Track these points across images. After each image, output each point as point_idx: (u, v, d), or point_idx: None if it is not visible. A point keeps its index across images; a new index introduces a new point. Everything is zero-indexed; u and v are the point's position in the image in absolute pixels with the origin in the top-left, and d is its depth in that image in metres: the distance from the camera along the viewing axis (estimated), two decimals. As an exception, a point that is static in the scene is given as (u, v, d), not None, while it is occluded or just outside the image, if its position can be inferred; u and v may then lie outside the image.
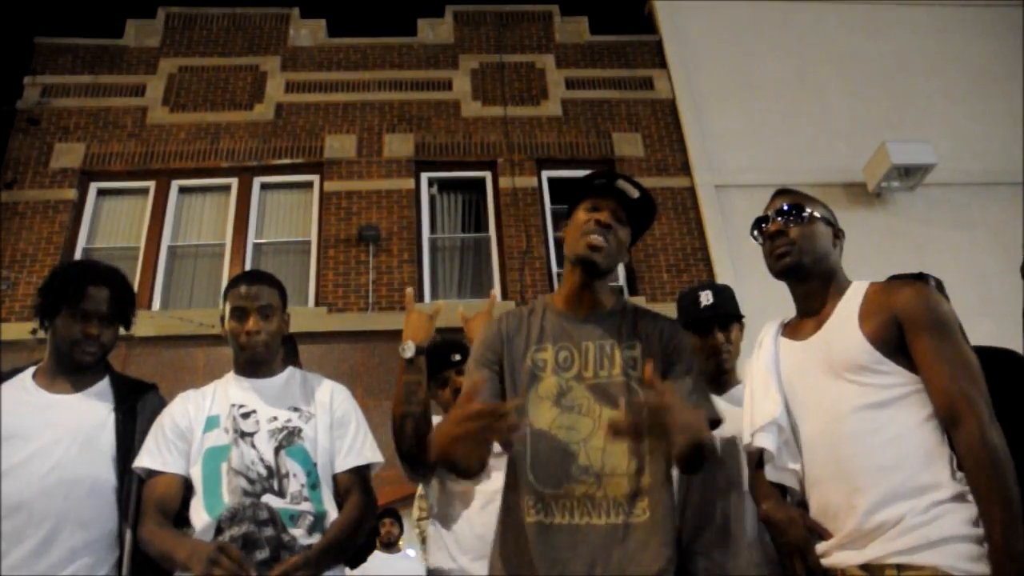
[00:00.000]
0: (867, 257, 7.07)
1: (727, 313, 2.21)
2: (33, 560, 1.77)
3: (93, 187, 7.39)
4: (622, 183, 1.76)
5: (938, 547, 1.39)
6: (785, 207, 1.77)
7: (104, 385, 2.07)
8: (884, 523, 1.44)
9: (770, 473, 1.66)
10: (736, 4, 8.62)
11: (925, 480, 1.45)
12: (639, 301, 6.76)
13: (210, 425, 1.95)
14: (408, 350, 2.20)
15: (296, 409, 2.00)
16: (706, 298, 2.20)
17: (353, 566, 2.20)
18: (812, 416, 1.62)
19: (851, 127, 7.93)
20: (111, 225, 7.34)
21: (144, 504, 1.88)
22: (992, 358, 1.93)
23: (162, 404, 2.15)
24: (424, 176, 7.66)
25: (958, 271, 6.72)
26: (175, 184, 7.46)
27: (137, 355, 6.38)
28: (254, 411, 1.97)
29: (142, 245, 7.13)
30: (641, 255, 7.22)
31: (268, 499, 1.84)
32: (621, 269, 7.12)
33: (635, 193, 1.77)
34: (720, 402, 2.15)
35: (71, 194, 7.17)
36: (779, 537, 1.61)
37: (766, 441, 1.65)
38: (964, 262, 7.08)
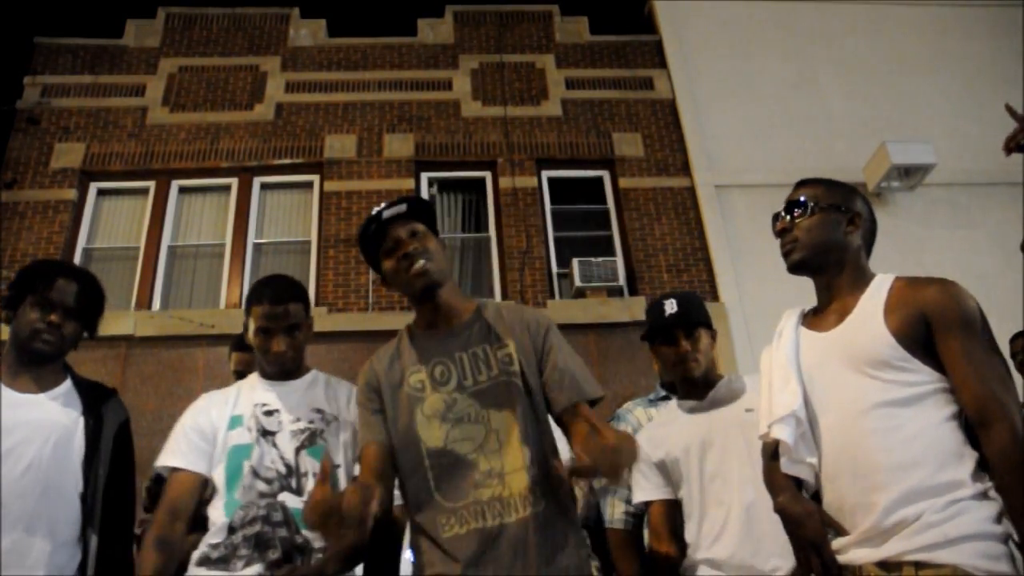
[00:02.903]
0: (867, 257, 7.09)
1: (691, 320, 2.19)
2: (6, 560, 1.76)
3: (93, 187, 7.39)
4: (387, 213, 1.80)
5: (957, 545, 1.36)
6: (792, 201, 1.77)
7: (68, 387, 2.06)
8: (903, 521, 1.42)
9: (786, 466, 1.63)
10: (736, 4, 8.62)
11: (945, 479, 1.43)
12: (639, 301, 6.76)
13: (234, 423, 1.96)
14: None
15: (319, 411, 2.02)
16: (670, 306, 2.21)
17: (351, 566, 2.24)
18: (831, 410, 1.60)
19: (851, 127, 7.93)
20: (111, 225, 7.34)
21: (161, 500, 1.89)
22: None
23: (125, 410, 2.16)
24: (424, 176, 7.65)
25: (958, 271, 6.70)
26: (175, 184, 7.45)
27: (137, 355, 6.37)
28: (277, 410, 1.98)
29: (142, 245, 7.12)
30: (641, 255, 7.22)
31: (285, 497, 1.85)
32: (621, 269, 7.12)
33: (403, 209, 1.82)
34: (693, 417, 2.16)
35: (71, 194, 7.17)
36: (795, 531, 1.59)
37: (783, 433, 1.62)
38: (964, 262, 7.08)
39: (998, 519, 1.38)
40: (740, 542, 1.95)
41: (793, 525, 1.59)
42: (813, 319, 1.77)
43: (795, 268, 1.75)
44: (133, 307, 6.76)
